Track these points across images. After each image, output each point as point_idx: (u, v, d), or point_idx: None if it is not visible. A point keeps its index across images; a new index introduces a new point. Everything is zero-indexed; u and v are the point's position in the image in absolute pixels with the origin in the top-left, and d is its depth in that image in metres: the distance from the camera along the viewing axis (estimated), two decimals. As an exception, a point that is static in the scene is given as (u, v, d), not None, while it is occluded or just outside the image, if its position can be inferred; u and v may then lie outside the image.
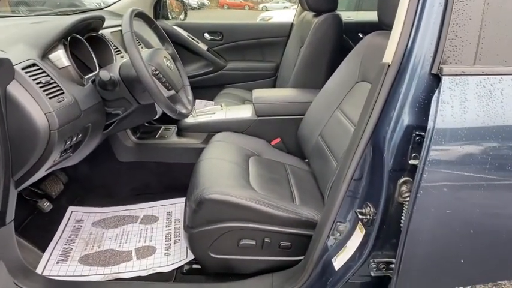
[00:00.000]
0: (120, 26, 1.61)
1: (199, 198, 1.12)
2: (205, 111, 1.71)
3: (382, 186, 0.90)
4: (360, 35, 2.38)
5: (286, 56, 2.27)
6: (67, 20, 1.07)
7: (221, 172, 1.27)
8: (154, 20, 1.24)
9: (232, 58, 2.45)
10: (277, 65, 2.42)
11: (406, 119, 0.85)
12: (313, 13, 1.96)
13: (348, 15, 3.24)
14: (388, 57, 0.88)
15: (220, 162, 1.35)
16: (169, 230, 1.48)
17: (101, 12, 2.05)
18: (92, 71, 1.22)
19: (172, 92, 1.18)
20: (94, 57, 1.22)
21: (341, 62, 1.50)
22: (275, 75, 2.45)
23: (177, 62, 1.33)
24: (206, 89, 2.43)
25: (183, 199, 1.61)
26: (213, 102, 1.79)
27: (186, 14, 2.52)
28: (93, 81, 1.12)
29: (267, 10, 16.33)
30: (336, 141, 1.33)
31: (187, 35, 2.33)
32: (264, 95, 1.71)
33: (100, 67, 1.24)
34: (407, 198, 0.87)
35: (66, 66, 1.01)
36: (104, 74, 1.05)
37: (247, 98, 2.23)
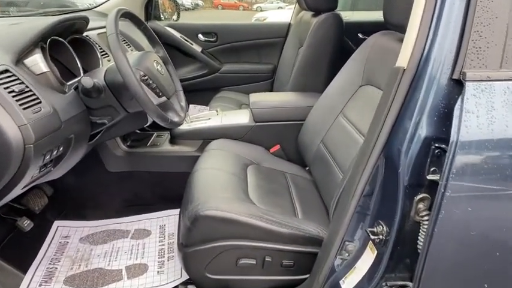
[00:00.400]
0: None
1: (193, 215, 1.02)
2: (200, 117, 1.62)
3: (396, 203, 0.82)
4: (360, 35, 2.31)
5: (284, 58, 2.18)
6: (45, 21, 0.97)
7: (217, 184, 1.17)
8: (143, 20, 1.14)
9: (228, 60, 2.36)
10: (275, 67, 2.33)
11: (424, 129, 0.76)
12: (312, 13, 1.87)
13: (344, 15, 3.17)
14: (403, 60, 0.79)
15: (216, 173, 1.26)
16: (163, 245, 1.39)
17: (89, 12, 1.95)
18: (76, 77, 1.12)
19: (164, 98, 1.09)
20: (78, 62, 1.12)
21: (342, 64, 1.41)
22: (272, 77, 2.36)
23: (169, 65, 1.23)
24: (201, 92, 2.33)
25: (177, 211, 1.51)
26: (208, 107, 1.70)
27: (179, 14, 2.43)
28: (76, 88, 1.02)
29: (261, 10, 16.24)
30: (339, 148, 1.25)
31: (180, 36, 2.24)
32: (262, 99, 1.61)
33: (85, 72, 1.14)
34: (425, 217, 0.79)
35: (44, 72, 0.91)
36: (87, 81, 0.95)
37: (244, 102, 2.14)
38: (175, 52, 2.24)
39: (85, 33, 1.27)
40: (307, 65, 1.72)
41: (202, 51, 2.30)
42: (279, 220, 1.05)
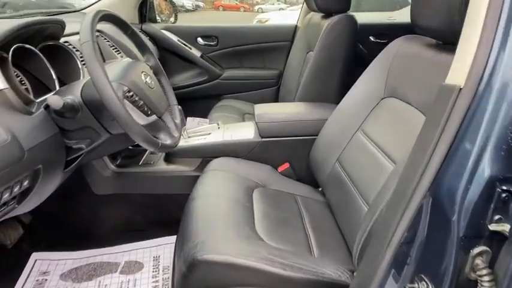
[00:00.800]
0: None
1: (190, 259, 0.85)
2: (199, 131, 1.44)
3: (445, 255, 0.63)
4: (372, 38, 2.13)
5: (291, 63, 2.00)
6: (4, 26, 0.79)
7: (218, 217, 1.00)
8: (132, 23, 0.96)
9: (230, 65, 2.18)
10: (280, 73, 2.15)
11: (487, 166, 0.57)
12: (322, 14, 1.70)
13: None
14: (457, 76, 0.61)
15: (217, 202, 1.08)
16: (157, 281, 1.21)
17: (76, 14, 1.78)
18: (51, 91, 0.94)
19: (153, 117, 0.91)
20: (53, 73, 0.94)
21: (356, 71, 1.24)
22: (278, 84, 2.18)
23: (161, 76, 1.06)
24: (200, 100, 2.16)
25: (173, 238, 1.33)
26: (208, 120, 1.52)
27: (176, 16, 2.26)
28: (46, 107, 0.84)
29: (262, 12, 16.06)
30: (360, 170, 1.07)
31: (178, 40, 2.06)
32: (269, 111, 1.43)
33: (63, 84, 0.96)
34: (486, 277, 0.61)
35: (1, 90, 0.74)
36: (54, 101, 0.78)
37: (248, 111, 1.96)
38: (172, 57, 2.07)
39: (65, 39, 1.09)
40: (318, 72, 1.54)
41: (201, 56, 2.12)
42: (292, 263, 0.87)
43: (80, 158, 0.92)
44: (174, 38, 2.06)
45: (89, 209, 1.38)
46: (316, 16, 1.76)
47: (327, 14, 1.62)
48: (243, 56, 2.18)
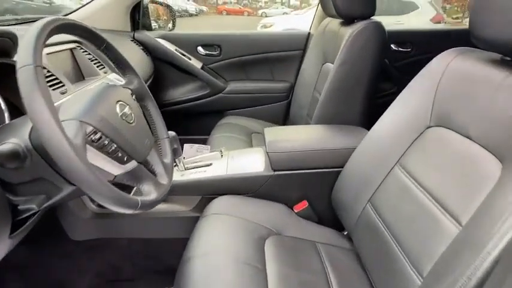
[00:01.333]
0: (71, 42, 1.11)
1: None
2: (198, 161, 1.20)
3: None
4: (393, 46, 1.88)
5: (303, 75, 1.76)
6: None
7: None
8: (100, 35, 0.72)
9: (234, 77, 1.95)
10: (291, 86, 1.91)
11: None
12: (341, 20, 1.46)
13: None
14: None
15: (220, 264, 0.83)
16: None
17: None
18: None
19: (133, 163, 0.67)
20: (1, 103, 0.71)
21: (383, 88, 0.99)
22: (288, 97, 1.94)
23: (147, 101, 0.82)
24: (201, 117, 1.92)
25: (166, 292, 1.10)
26: (209, 147, 1.27)
27: (174, 22, 2.03)
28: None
29: (266, 16, 15.85)
30: (401, 219, 0.82)
31: (176, 50, 1.83)
32: (282, 137, 1.19)
33: (16, 116, 0.73)
34: None
35: None
36: None
37: (255, 130, 1.73)
38: (168, 69, 1.84)
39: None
40: (339, 89, 1.30)
41: (202, 67, 1.89)
42: None
43: (31, 220, 0.68)
44: (171, 47, 1.83)
45: (66, 258, 1.14)
46: (334, 22, 1.52)
47: (348, 20, 1.38)
48: (249, 66, 1.94)
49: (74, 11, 1.61)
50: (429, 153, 0.83)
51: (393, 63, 1.86)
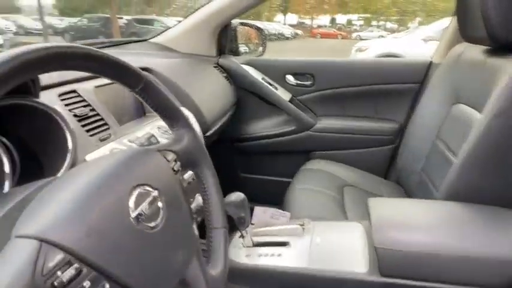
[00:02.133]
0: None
1: None
2: (270, 234, 0.88)
3: None
4: None
5: (420, 115, 1.34)
6: None
7: None
8: (142, 73, 0.47)
9: (326, 112, 1.62)
10: (401, 127, 1.51)
11: None
12: (487, 48, 1.02)
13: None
14: None
15: None
16: None
17: (141, 45, 1.44)
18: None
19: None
20: (6, 162, 0.51)
21: None
22: (395, 142, 1.53)
23: (202, 168, 0.55)
24: (281, 158, 1.63)
25: None
26: (287, 214, 0.95)
27: (264, 47, 1.80)
28: None
29: (361, 39, 15.13)
30: None
31: (262, 79, 1.58)
32: (398, 222, 0.80)
33: (37, 176, 0.52)
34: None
35: None
36: None
37: (349, 180, 1.36)
38: (252, 99, 1.60)
39: (61, 90, 0.68)
40: (493, 151, 0.86)
41: (291, 100, 1.61)
42: None
43: None
44: (257, 75, 1.59)
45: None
46: (475, 50, 1.09)
47: (506, 49, 0.95)
48: (346, 100, 1.59)
49: (158, 34, 1.49)
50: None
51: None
